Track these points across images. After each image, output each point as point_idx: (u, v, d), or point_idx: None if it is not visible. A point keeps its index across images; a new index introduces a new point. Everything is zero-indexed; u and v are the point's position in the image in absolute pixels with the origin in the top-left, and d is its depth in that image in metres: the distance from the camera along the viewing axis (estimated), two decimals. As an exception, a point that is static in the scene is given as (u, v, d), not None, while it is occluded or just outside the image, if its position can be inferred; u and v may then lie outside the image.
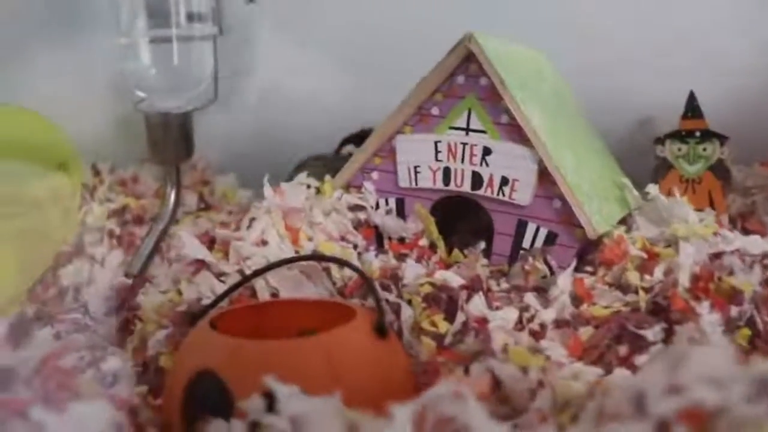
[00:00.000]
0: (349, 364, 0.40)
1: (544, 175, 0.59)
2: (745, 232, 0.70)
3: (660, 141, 0.76)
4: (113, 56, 0.80)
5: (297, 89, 0.94)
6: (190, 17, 0.77)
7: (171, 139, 0.79)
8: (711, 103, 0.75)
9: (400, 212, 0.65)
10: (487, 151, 0.60)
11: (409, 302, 0.53)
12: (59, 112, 0.78)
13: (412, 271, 0.57)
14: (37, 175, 0.77)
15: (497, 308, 0.53)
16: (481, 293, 0.54)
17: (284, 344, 0.40)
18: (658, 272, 0.55)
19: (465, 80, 0.61)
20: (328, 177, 0.67)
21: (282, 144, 0.88)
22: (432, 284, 0.54)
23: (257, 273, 0.51)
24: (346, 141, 0.85)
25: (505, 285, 0.58)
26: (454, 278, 0.55)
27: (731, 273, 0.53)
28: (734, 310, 0.50)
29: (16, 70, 0.92)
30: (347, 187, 0.67)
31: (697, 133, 0.74)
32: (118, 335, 0.57)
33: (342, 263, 0.50)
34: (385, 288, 0.55)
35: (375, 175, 0.65)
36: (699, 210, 0.67)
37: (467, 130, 0.61)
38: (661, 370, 0.30)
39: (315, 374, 0.39)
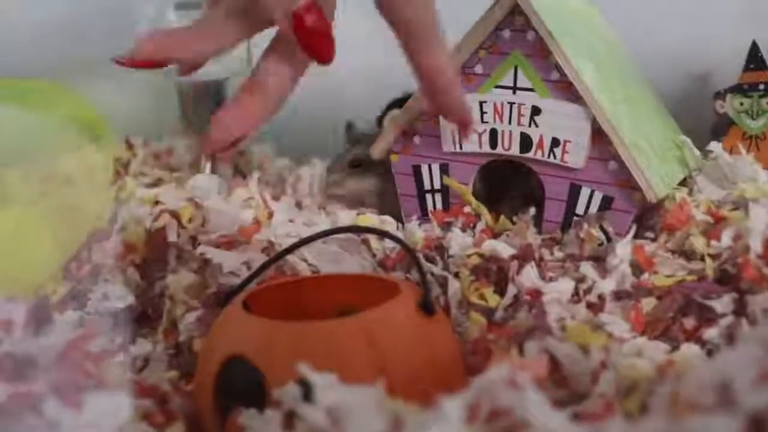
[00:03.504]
0: (393, 346, 0.36)
1: (598, 135, 0.55)
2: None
3: (720, 96, 0.72)
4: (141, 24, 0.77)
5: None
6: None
7: (205, 109, 0.77)
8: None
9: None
10: (536, 111, 0.57)
11: (456, 275, 0.50)
12: (90, 85, 0.76)
13: (458, 241, 0.54)
14: (70, 150, 0.75)
15: (551, 279, 0.50)
16: (533, 263, 0.51)
17: (321, 326, 0.37)
18: (726, 237, 0.51)
19: (510, 35, 0.57)
20: None
21: (321, 110, 0.85)
22: (480, 255, 0.51)
23: (290, 249, 0.48)
24: (391, 106, 0.81)
25: (559, 254, 0.55)
26: (503, 248, 0.52)
27: (808, 236, 0.48)
28: (813, 278, 0.46)
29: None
30: (387, 153, 0.64)
31: (761, 86, 0.70)
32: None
33: (382, 234, 0.47)
34: (430, 260, 0.52)
35: (417, 139, 0.62)
36: (766, 168, 0.63)
37: (514, 88, 0.57)
38: (750, 353, 0.26)
39: (356, 358, 0.35)
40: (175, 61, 0.48)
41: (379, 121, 0.76)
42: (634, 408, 0.34)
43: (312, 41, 0.47)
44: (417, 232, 0.57)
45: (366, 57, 0.89)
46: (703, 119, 0.73)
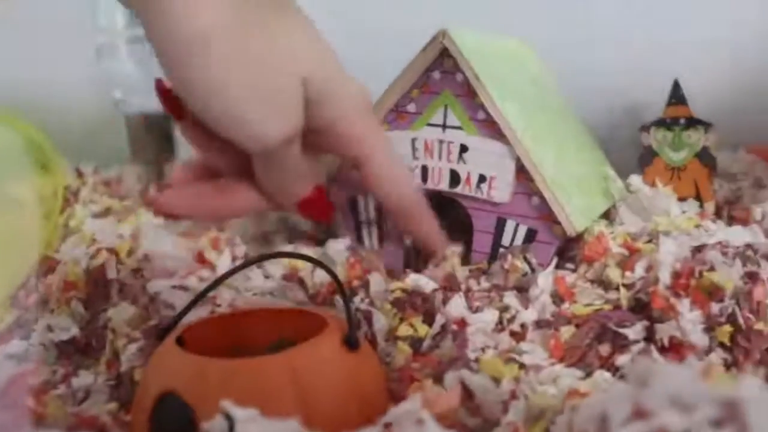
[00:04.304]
0: (317, 382, 0.38)
1: (522, 172, 0.57)
2: (732, 219, 0.69)
3: (645, 128, 0.75)
4: (91, 56, 0.78)
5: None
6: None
7: (152, 140, 0.78)
8: (695, 89, 0.74)
9: (379, 211, 0.64)
10: (464, 149, 0.59)
11: (381, 308, 0.52)
12: (40, 113, 0.77)
13: (377, 278, 0.56)
14: (19, 178, 0.76)
15: (477, 309, 0.52)
16: (461, 293, 0.53)
17: (248, 363, 0.39)
18: (639, 268, 0.54)
19: (441, 76, 0.60)
20: None
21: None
22: (403, 290, 0.53)
23: (222, 278, 0.49)
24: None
25: (485, 284, 0.57)
26: (426, 282, 0.54)
27: (712, 268, 0.51)
28: (715, 307, 0.49)
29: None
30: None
31: (682, 121, 0.73)
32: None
33: (314, 262, 0.49)
34: (355, 294, 0.54)
35: (356, 175, 0.64)
36: (683, 199, 0.66)
37: (444, 126, 0.60)
38: (626, 390, 0.29)
39: (281, 394, 0.38)
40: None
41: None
42: (539, 435, 0.37)
43: (316, 215, 0.57)
44: (342, 268, 0.59)
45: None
46: (634, 151, 0.76)
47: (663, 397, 0.28)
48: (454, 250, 0.59)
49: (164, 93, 0.53)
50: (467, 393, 0.41)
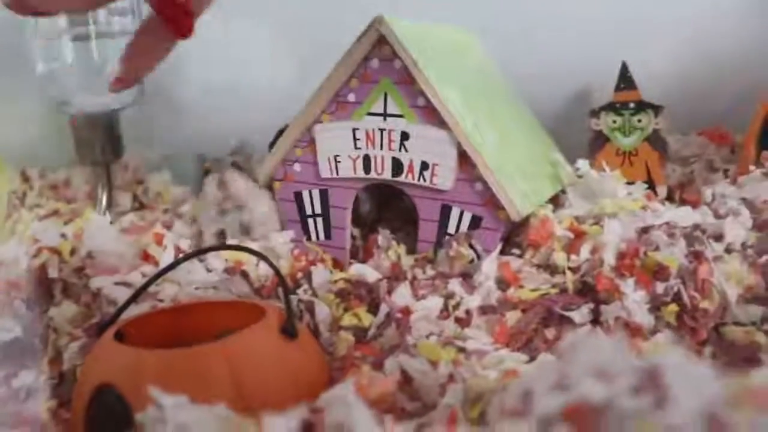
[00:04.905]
0: (252, 369, 0.38)
1: (464, 158, 0.57)
2: (683, 202, 0.69)
3: (594, 113, 0.75)
4: (32, 57, 0.77)
5: (232, 81, 0.92)
6: (110, 12, 0.74)
7: (98, 140, 0.77)
8: (644, 73, 0.74)
9: (325, 204, 0.63)
10: (405, 136, 0.58)
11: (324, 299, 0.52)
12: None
13: (319, 270, 0.55)
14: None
15: (422, 297, 0.52)
16: (406, 282, 0.53)
17: (184, 353, 0.38)
18: (585, 251, 0.54)
19: (379, 64, 0.59)
20: None
21: (216, 138, 0.86)
22: (347, 280, 0.53)
23: (161, 272, 0.48)
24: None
25: (431, 272, 0.56)
26: (370, 272, 0.54)
27: (657, 248, 0.51)
28: (660, 287, 0.49)
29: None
30: (271, 180, 0.65)
31: (631, 105, 0.73)
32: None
33: (255, 254, 0.48)
34: (300, 286, 0.53)
35: (297, 166, 0.63)
36: (631, 183, 0.66)
37: (384, 115, 0.59)
38: (552, 364, 0.29)
39: (216, 381, 0.37)
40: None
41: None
42: (476, 417, 0.36)
43: (173, 16, 0.53)
44: (286, 261, 0.59)
45: (262, 84, 0.91)
46: (584, 135, 0.76)
47: (585, 367, 0.27)
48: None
49: None
50: (406, 378, 0.41)
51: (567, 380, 0.27)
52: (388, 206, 0.65)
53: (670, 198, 0.72)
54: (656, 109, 0.73)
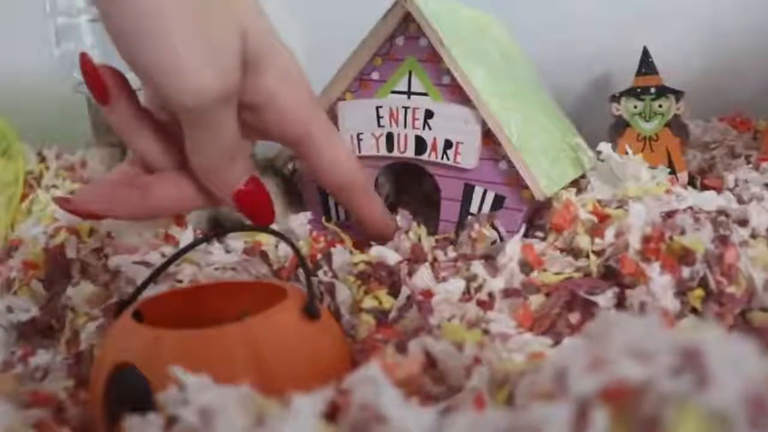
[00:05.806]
0: (273, 350, 0.37)
1: (488, 137, 0.56)
2: (705, 188, 0.68)
3: (615, 99, 0.74)
4: (51, 38, 0.77)
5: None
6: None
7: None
8: (665, 58, 0.73)
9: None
10: (429, 114, 0.58)
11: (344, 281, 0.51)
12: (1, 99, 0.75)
13: (341, 251, 0.55)
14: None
15: (444, 279, 0.51)
16: (427, 264, 0.52)
17: (204, 333, 0.38)
18: (609, 235, 0.53)
19: (404, 42, 0.58)
20: None
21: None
22: (367, 262, 0.52)
23: (181, 252, 0.47)
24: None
25: (452, 254, 0.56)
26: (391, 254, 0.53)
27: (683, 232, 0.50)
28: (686, 271, 0.48)
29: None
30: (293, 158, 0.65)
31: (652, 90, 0.72)
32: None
33: (275, 234, 0.47)
34: (319, 268, 0.53)
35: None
36: (654, 168, 0.65)
37: (409, 93, 0.59)
38: (585, 344, 0.28)
39: (237, 363, 0.36)
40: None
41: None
42: (503, 400, 0.36)
43: (254, 210, 0.52)
44: (306, 241, 0.58)
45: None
46: (605, 121, 0.75)
47: (621, 347, 0.26)
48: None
49: (90, 70, 0.47)
50: (430, 360, 0.40)
51: (602, 361, 0.26)
52: (406, 190, 0.65)
53: (691, 183, 0.71)
54: (677, 95, 0.72)
